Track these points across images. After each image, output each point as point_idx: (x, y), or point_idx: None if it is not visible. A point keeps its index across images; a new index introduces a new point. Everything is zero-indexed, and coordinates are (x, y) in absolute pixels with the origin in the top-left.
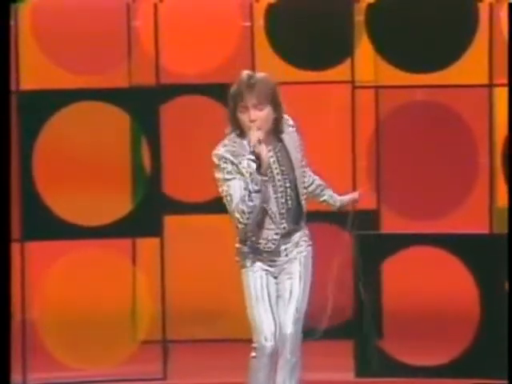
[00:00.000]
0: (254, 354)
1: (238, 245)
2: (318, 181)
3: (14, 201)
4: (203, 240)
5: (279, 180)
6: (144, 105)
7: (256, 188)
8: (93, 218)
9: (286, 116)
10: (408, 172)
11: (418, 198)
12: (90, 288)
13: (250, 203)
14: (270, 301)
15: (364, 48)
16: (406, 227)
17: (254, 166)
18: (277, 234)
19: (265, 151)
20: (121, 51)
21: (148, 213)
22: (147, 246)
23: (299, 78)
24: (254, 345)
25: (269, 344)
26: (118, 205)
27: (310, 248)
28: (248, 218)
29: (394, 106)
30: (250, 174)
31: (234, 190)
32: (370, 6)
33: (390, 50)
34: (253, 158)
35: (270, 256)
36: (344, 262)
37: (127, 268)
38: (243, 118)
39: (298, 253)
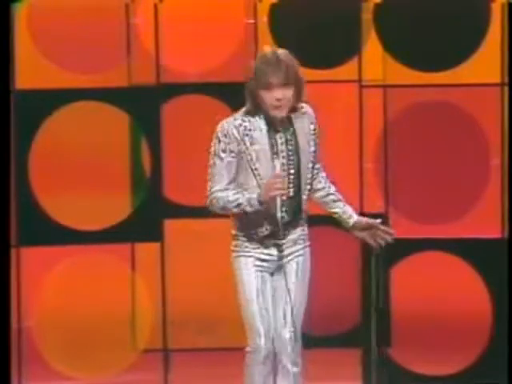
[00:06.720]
0: (248, 358)
1: (233, 231)
2: (330, 188)
3: (10, 205)
4: (204, 244)
5: (283, 164)
6: (144, 104)
7: (248, 210)
8: (91, 223)
9: (308, 109)
10: (417, 174)
11: (428, 201)
12: (88, 294)
13: (234, 209)
14: (264, 300)
15: (372, 46)
16: (415, 232)
17: (256, 197)
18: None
19: (276, 193)
20: (120, 50)
21: (148, 217)
22: (147, 250)
23: (305, 77)
24: (247, 349)
25: (263, 345)
26: (117, 208)
27: (307, 249)
28: (218, 209)
29: (402, 105)
30: (250, 199)
31: (220, 176)
32: (378, 3)
33: (399, 48)
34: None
35: (264, 246)
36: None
37: (126, 274)
38: (266, 96)
39: (295, 252)
